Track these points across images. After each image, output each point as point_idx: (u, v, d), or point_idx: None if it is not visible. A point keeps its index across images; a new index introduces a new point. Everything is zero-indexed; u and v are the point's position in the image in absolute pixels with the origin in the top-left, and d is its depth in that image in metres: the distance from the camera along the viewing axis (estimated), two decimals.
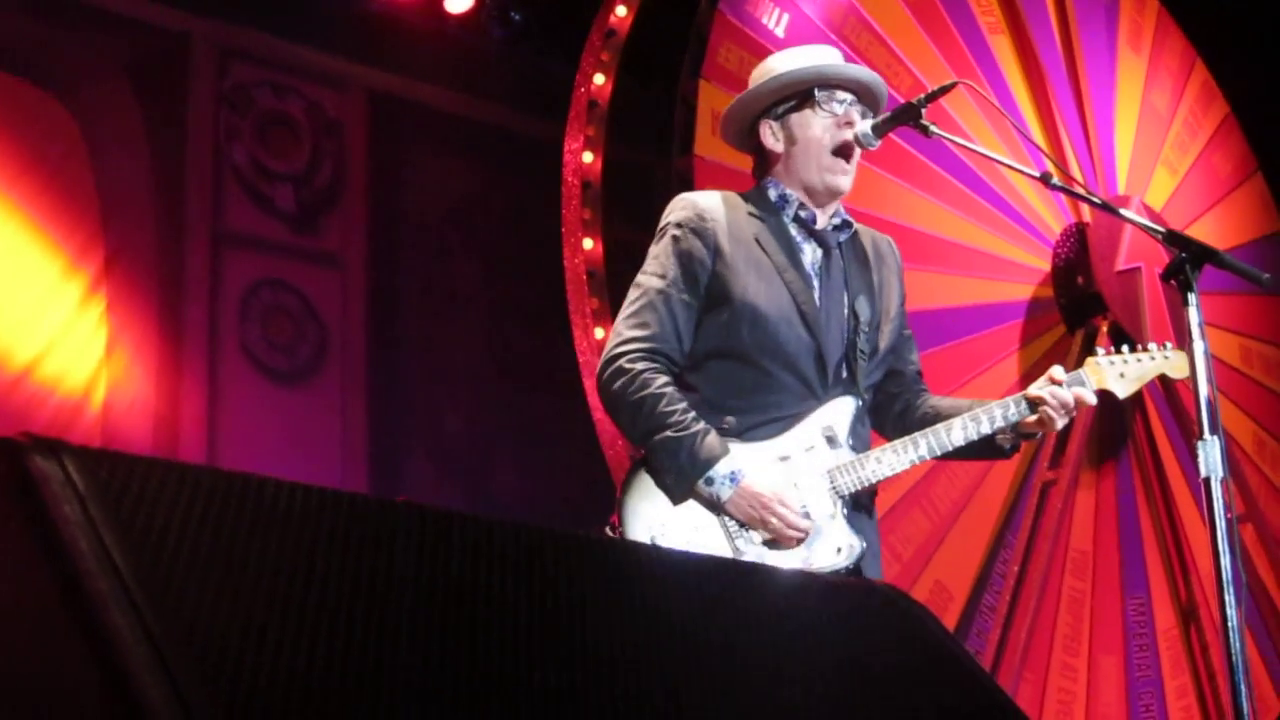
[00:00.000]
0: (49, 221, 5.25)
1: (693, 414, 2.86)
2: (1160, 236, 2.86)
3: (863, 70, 3.16)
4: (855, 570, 2.88)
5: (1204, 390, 2.66)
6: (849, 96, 3.05)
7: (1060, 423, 3.00)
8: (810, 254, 3.05)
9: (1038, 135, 6.12)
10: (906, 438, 2.97)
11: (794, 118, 3.05)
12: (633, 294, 3.00)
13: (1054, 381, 3.00)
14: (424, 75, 6.41)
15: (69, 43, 5.46)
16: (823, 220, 3.06)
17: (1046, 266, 6.07)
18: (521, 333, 6.53)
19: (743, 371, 2.95)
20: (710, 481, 2.83)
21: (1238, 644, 2.55)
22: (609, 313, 5.13)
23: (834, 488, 2.91)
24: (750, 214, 3.03)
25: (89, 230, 5.36)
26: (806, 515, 2.87)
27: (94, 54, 5.52)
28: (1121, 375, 3.16)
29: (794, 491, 2.87)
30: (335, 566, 1.31)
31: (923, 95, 3.00)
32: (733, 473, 2.83)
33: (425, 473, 6.20)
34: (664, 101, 5.41)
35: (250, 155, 5.89)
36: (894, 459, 2.95)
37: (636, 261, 3.10)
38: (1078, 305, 6.05)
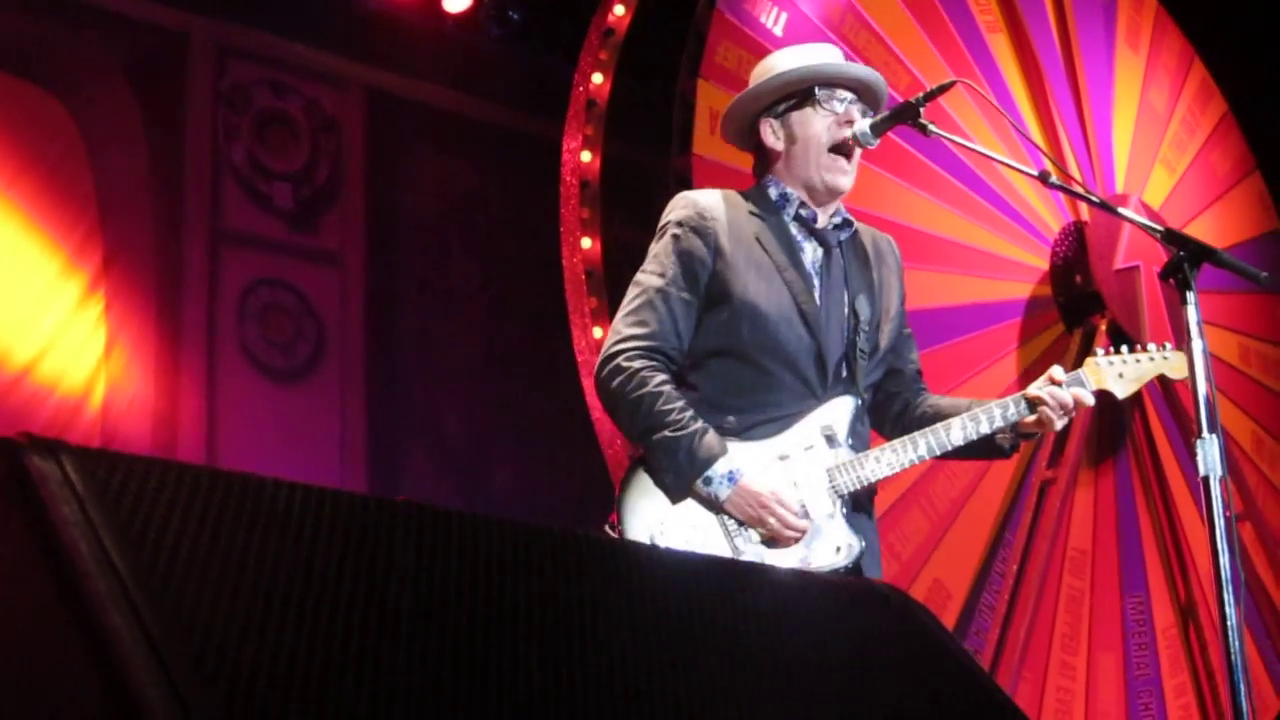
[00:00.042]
0: (47, 220, 5.25)
1: (691, 413, 2.86)
2: (1158, 235, 2.86)
3: (864, 69, 3.16)
4: (854, 569, 2.88)
5: (1202, 389, 2.66)
6: (850, 95, 3.05)
7: (1059, 423, 3.00)
8: (810, 253, 3.05)
9: (1036, 134, 6.12)
10: (906, 437, 2.97)
11: (794, 116, 3.05)
12: (632, 292, 3.00)
13: (1053, 382, 3.00)
14: (422, 74, 6.41)
15: (67, 42, 5.46)
16: (823, 219, 3.06)
17: (1045, 265, 6.07)
18: (520, 331, 6.53)
19: (742, 370, 2.95)
20: (709, 481, 2.82)
21: (1236, 643, 2.55)
22: (607, 312, 5.13)
23: (833, 487, 2.91)
24: (751, 213, 3.03)
25: (87, 229, 5.36)
26: (805, 514, 2.87)
27: (92, 53, 5.52)
28: (1120, 375, 3.16)
29: (792, 490, 2.87)
30: (334, 566, 1.31)
31: (921, 94, 2.99)
32: (731, 472, 2.83)
33: (424, 471, 6.20)
34: (662, 100, 5.41)
35: (248, 154, 5.88)
36: (893, 458, 2.95)
37: (635, 261, 3.10)
38: (1076, 304, 6.05)
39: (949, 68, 5.76)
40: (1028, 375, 5.71)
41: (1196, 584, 6.15)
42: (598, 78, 5.48)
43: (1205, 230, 6.54)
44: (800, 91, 3.05)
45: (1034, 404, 2.98)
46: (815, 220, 3.05)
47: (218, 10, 5.81)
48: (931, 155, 5.65)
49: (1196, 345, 2.67)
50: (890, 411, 3.15)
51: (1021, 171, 3.14)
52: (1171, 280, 2.75)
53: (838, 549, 2.88)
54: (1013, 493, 5.80)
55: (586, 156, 5.40)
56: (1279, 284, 6.36)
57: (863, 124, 3.01)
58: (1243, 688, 2.51)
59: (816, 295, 3.00)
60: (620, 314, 3.00)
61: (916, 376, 3.20)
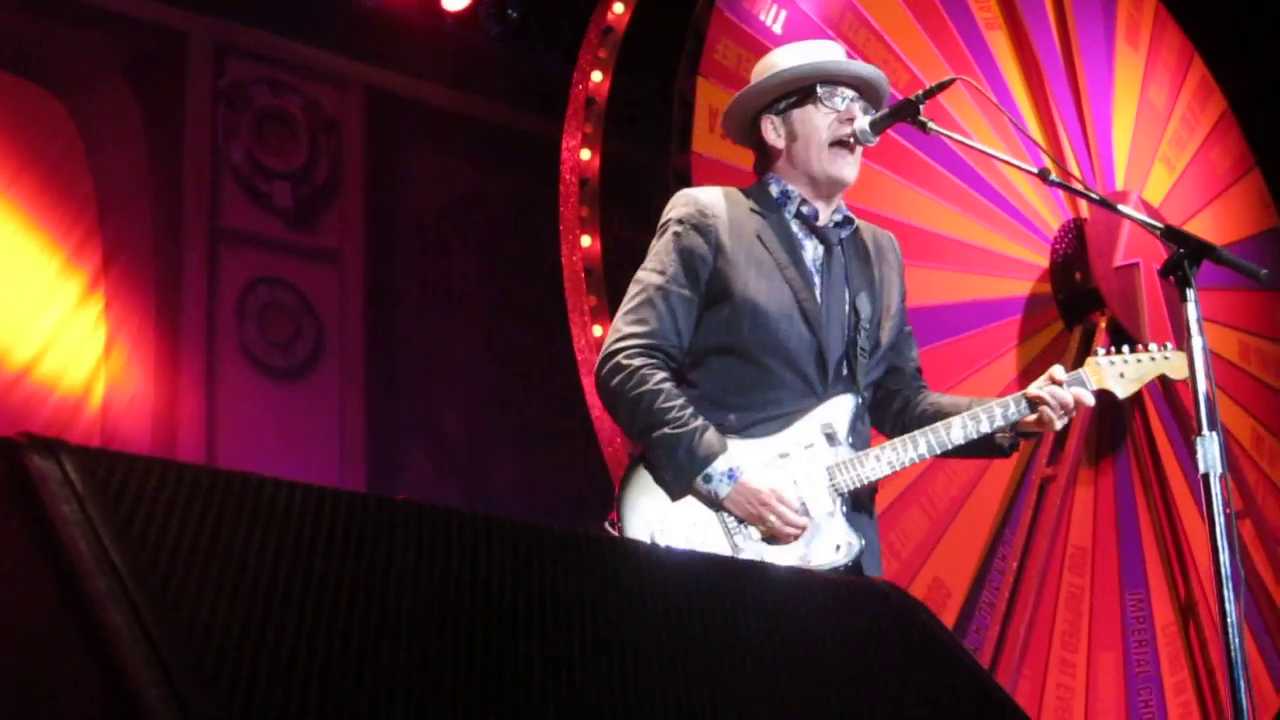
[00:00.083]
0: (47, 219, 5.25)
1: (691, 410, 2.86)
2: (1158, 232, 2.85)
3: (866, 67, 3.15)
4: (854, 568, 2.88)
5: (1202, 386, 2.66)
6: (851, 93, 3.05)
7: (1060, 423, 3.00)
8: (811, 250, 3.04)
9: (1035, 131, 6.11)
10: (906, 436, 2.97)
11: (796, 113, 3.05)
12: (632, 290, 3.00)
13: (1054, 381, 2.99)
14: (421, 72, 6.41)
15: (67, 41, 5.46)
16: (824, 216, 3.06)
17: (1045, 262, 6.07)
18: (519, 330, 6.53)
19: (743, 368, 2.94)
20: (708, 478, 2.82)
21: (1236, 640, 2.55)
22: (607, 310, 5.13)
23: (833, 485, 2.90)
24: (752, 210, 3.03)
25: (87, 228, 5.36)
26: (805, 512, 2.86)
27: (92, 52, 5.52)
28: (1121, 375, 3.15)
29: (792, 488, 2.87)
30: (334, 565, 1.31)
31: (921, 92, 2.99)
32: (731, 469, 2.83)
33: (423, 470, 6.20)
34: (662, 98, 5.41)
35: (248, 152, 5.89)
36: (893, 457, 2.94)
37: (635, 259, 3.10)
38: (1076, 301, 6.05)
39: (948, 65, 5.75)
40: (1027, 373, 5.71)
41: (1196, 581, 6.15)
42: (597, 76, 5.48)
43: (1205, 227, 6.54)
44: (802, 89, 3.04)
45: (1034, 403, 2.98)
46: (816, 218, 3.05)
47: (217, 9, 5.81)
48: (931, 153, 5.64)
49: (1196, 342, 2.67)
50: (890, 409, 3.15)
51: (1021, 169, 3.14)
52: (1171, 277, 2.74)
53: (837, 547, 2.88)
54: (1013, 490, 5.80)
55: (586, 154, 5.40)
56: (1279, 281, 6.36)
57: (862, 121, 3.00)
58: (1243, 685, 2.51)
59: (817, 293, 2.99)
60: (621, 312, 3.00)
61: (917, 374, 3.20)
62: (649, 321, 2.93)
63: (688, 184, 4.48)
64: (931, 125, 2.99)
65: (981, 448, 3.03)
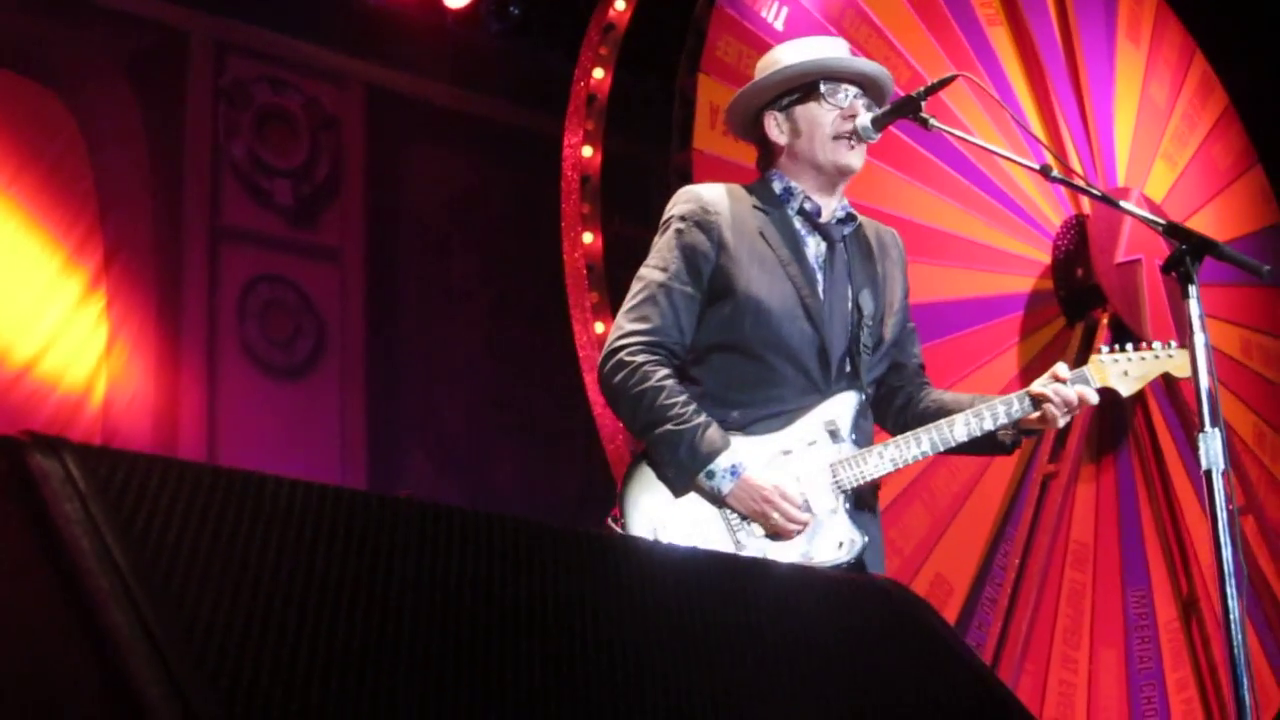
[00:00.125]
0: (48, 218, 5.25)
1: (693, 407, 2.86)
2: (1160, 229, 2.85)
3: (869, 63, 3.14)
4: (857, 565, 2.88)
5: (1204, 382, 2.65)
6: (854, 89, 3.04)
7: (1063, 420, 2.99)
8: (814, 247, 3.04)
9: (1037, 128, 6.11)
10: (910, 433, 2.97)
11: (799, 110, 3.04)
12: (635, 287, 3.00)
13: (1058, 379, 2.99)
14: (422, 70, 6.41)
15: (67, 39, 5.46)
16: (827, 213, 3.06)
17: (1046, 259, 6.07)
18: (520, 327, 6.53)
19: (745, 365, 2.94)
20: (711, 475, 2.82)
21: (1239, 636, 2.55)
22: (608, 307, 5.12)
23: (836, 482, 2.90)
24: (754, 207, 3.03)
25: (88, 226, 5.37)
26: (807, 508, 2.86)
27: (92, 50, 5.52)
28: (1125, 373, 3.15)
29: (795, 485, 2.87)
30: (335, 563, 1.31)
31: (922, 88, 2.99)
32: (734, 466, 2.83)
33: (424, 468, 6.20)
34: (663, 95, 5.40)
35: (248, 150, 5.89)
36: (896, 454, 2.94)
37: (636, 256, 3.10)
38: (1077, 298, 6.04)
39: (950, 62, 5.75)
40: (1029, 369, 5.71)
41: (1199, 578, 6.15)
42: (598, 73, 5.48)
43: (1207, 224, 6.53)
44: (805, 85, 3.04)
45: (1038, 401, 2.97)
46: (819, 214, 3.04)
47: (218, 7, 5.81)
48: (933, 149, 5.64)
49: (1198, 339, 2.66)
50: (892, 406, 3.15)
51: (1023, 165, 3.13)
52: (1173, 274, 2.74)
53: (840, 544, 2.88)
54: (1014, 487, 5.80)
55: (587, 151, 5.39)
56: None
57: (864, 118, 3.00)
58: (1245, 681, 2.51)
59: (820, 289, 2.99)
60: (623, 309, 3.00)
61: (919, 371, 3.20)
62: (651, 319, 2.93)
63: (689, 181, 4.48)
64: (933, 121, 2.98)
65: (984, 444, 3.03)
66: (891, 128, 3.10)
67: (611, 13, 5.55)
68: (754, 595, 1.72)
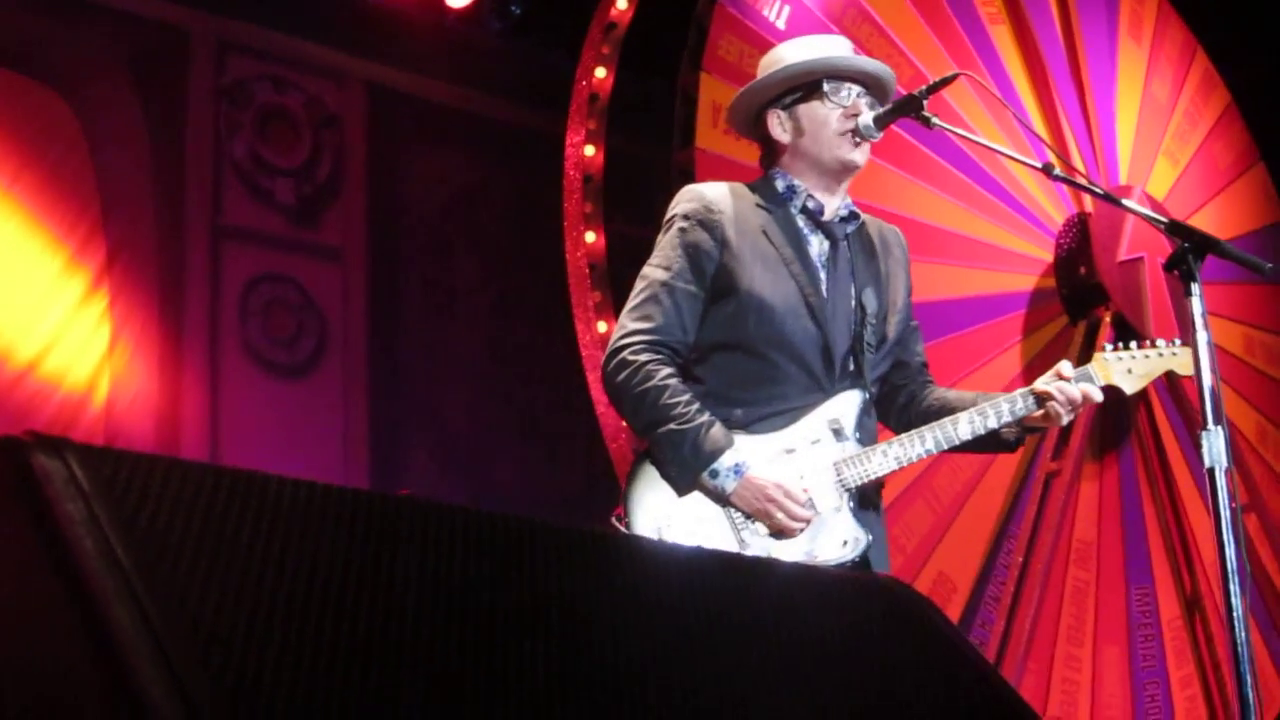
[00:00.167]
0: (50, 217, 5.25)
1: (697, 405, 2.86)
2: (1162, 226, 2.85)
3: (872, 62, 3.14)
4: (861, 563, 2.88)
5: (1207, 380, 2.65)
6: (857, 88, 3.04)
7: (1066, 418, 2.99)
8: (817, 245, 3.04)
9: (1039, 126, 6.10)
10: (913, 431, 2.97)
11: (802, 109, 3.04)
12: (638, 286, 3.00)
13: (1061, 377, 2.99)
14: (424, 69, 6.41)
15: (69, 38, 5.46)
16: (830, 211, 3.06)
17: (1049, 257, 6.06)
18: (523, 326, 6.53)
19: (749, 363, 2.94)
20: (715, 474, 2.82)
21: (1242, 634, 2.55)
22: (611, 306, 5.12)
23: (840, 480, 2.90)
24: (757, 205, 3.03)
25: (90, 226, 5.37)
26: (811, 507, 2.86)
27: (94, 49, 5.52)
28: (1129, 371, 3.14)
29: (799, 483, 2.87)
30: (338, 562, 1.30)
31: (924, 87, 2.99)
32: (737, 464, 2.83)
33: (427, 467, 6.20)
34: (665, 94, 5.40)
35: (250, 149, 5.89)
36: (900, 452, 2.94)
37: (638, 255, 3.10)
38: (1080, 296, 6.04)
39: (952, 60, 5.75)
40: (1032, 367, 5.71)
41: (1202, 575, 6.15)
42: (600, 72, 5.47)
43: (1209, 222, 6.53)
44: (808, 84, 3.04)
45: (1041, 399, 2.97)
46: (822, 212, 3.04)
47: (219, 6, 5.81)
48: (935, 148, 5.64)
49: (1201, 337, 2.66)
50: (896, 404, 3.15)
51: (1025, 164, 3.13)
52: (1175, 272, 2.74)
53: (844, 542, 2.88)
54: (1017, 485, 5.80)
55: (589, 151, 5.39)
56: None
57: (866, 116, 3.00)
58: (1249, 678, 2.51)
59: (823, 288, 2.99)
60: (626, 308, 3.00)
61: (922, 369, 3.20)
62: (654, 317, 2.93)
63: (691, 179, 4.47)
64: (935, 120, 2.98)
65: (987, 442, 3.03)
66: (894, 126, 3.10)
67: (613, 11, 5.55)
68: (758, 594, 1.72)
